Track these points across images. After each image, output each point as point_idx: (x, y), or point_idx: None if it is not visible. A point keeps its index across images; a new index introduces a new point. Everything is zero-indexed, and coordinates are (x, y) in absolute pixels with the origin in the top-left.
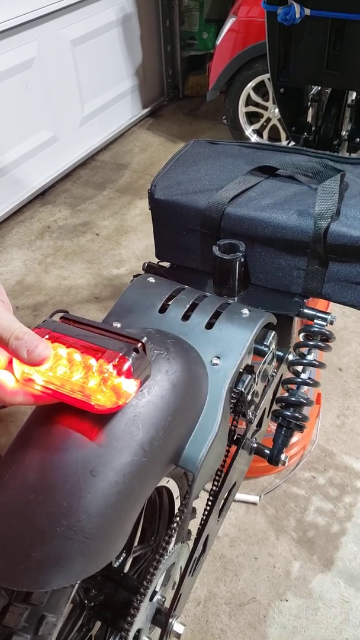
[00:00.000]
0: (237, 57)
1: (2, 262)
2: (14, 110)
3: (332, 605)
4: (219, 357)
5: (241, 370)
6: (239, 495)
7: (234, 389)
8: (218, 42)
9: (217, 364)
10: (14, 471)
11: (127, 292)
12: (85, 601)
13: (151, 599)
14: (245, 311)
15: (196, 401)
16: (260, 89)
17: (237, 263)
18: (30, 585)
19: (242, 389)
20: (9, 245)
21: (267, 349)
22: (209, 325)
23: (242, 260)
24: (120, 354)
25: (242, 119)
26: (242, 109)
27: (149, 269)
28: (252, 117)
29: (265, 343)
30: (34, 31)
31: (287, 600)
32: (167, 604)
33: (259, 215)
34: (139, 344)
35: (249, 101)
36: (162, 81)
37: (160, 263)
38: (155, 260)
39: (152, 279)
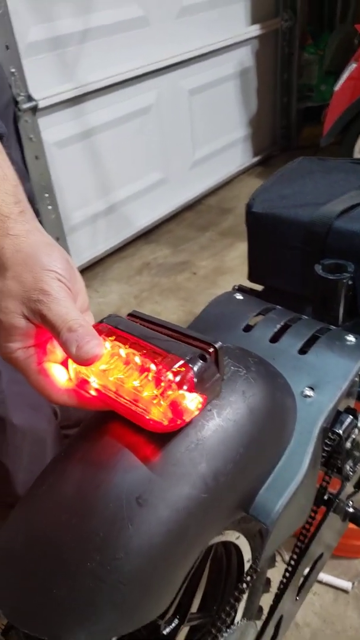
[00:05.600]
0: (355, 104)
1: (100, 293)
2: (129, 152)
3: None
4: (312, 389)
5: (340, 409)
6: (327, 577)
7: (330, 431)
8: (336, 88)
9: (309, 396)
10: (52, 484)
11: (210, 307)
12: None
13: None
14: (351, 338)
15: (279, 436)
16: None
17: (344, 286)
18: (44, 632)
19: (340, 432)
20: (109, 279)
21: None
22: (303, 351)
23: (350, 283)
24: (183, 360)
25: None
26: (357, 157)
27: (240, 291)
28: None
29: None
30: (154, 81)
31: None
32: None
33: None
34: (211, 350)
35: None
36: (275, 131)
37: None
38: None
39: (239, 296)
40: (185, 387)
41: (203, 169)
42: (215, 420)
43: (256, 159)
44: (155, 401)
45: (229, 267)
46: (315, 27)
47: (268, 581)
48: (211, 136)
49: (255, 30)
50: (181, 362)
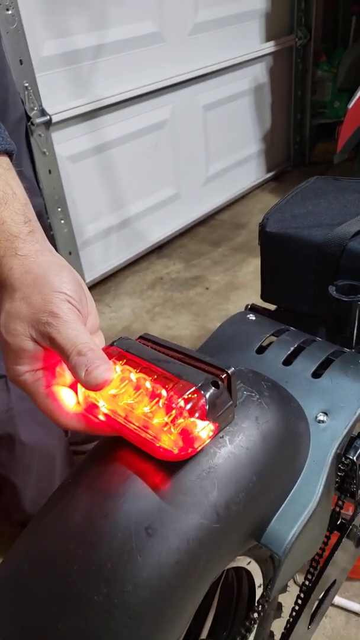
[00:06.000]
0: None
1: (113, 308)
2: (142, 167)
3: None
4: (326, 414)
5: (354, 435)
6: (338, 599)
7: (343, 457)
8: (350, 105)
9: (323, 422)
10: (59, 511)
11: (223, 327)
12: None
13: None
14: None
15: (292, 463)
16: None
17: (358, 307)
18: None
19: (354, 458)
20: (122, 293)
21: None
22: (317, 374)
23: None
24: (195, 387)
25: None
26: None
27: (252, 310)
28: None
29: None
30: (169, 96)
31: None
32: None
33: None
34: (223, 375)
35: None
36: (289, 147)
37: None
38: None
39: (252, 316)
40: (196, 415)
41: (216, 184)
42: (227, 448)
43: (269, 174)
44: (165, 428)
45: (242, 283)
46: (329, 45)
47: (280, 606)
48: (225, 152)
49: (269, 47)
50: (193, 388)
